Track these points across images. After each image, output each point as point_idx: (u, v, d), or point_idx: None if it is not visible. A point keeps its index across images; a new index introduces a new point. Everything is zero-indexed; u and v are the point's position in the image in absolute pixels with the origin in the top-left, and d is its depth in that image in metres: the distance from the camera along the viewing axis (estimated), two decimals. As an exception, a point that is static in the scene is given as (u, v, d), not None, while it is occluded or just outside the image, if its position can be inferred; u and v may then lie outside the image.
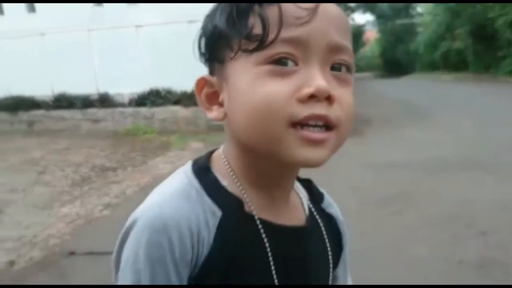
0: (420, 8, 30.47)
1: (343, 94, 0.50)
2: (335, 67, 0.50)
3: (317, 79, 0.47)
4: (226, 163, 0.56)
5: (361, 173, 4.54)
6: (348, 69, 0.52)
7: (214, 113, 0.55)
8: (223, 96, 0.53)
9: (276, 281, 0.55)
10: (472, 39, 21.40)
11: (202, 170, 0.55)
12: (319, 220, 0.63)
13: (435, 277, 2.41)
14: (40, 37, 9.00)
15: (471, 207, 3.44)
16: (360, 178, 4.39)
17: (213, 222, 0.51)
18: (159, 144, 6.88)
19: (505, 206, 3.40)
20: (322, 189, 0.69)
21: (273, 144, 0.49)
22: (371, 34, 42.44)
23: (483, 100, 10.51)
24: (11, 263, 3.03)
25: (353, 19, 34.77)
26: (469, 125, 7.28)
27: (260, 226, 0.54)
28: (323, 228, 0.63)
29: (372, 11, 38.48)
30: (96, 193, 4.52)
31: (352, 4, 32.25)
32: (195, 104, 7.83)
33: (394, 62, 36.07)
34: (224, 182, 0.55)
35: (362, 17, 40.90)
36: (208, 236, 0.50)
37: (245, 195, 0.55)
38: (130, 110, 8.33)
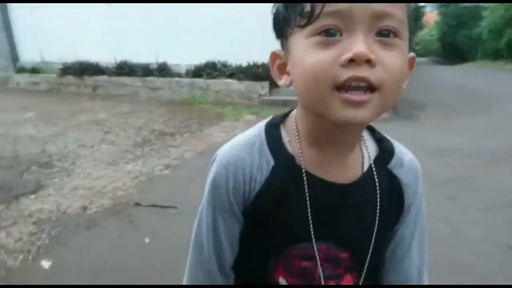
0: (488, -10, 28.36)
1: (387, 57, 0.53)
2: (382, 33, 0.54)
3: (357, 45, 0.51)
4: (294, 122, 0.67)
5: (416, 156, 4.51)
6: (396, 34, 0.54)
7: (283, 80, 0.64)
8: (289, 66, 0.62)
9: (311, 226, 0.64)
10: (544, 27, 19.82)
11: (272, 127, 0.68)
12: (377, 180, 0.67)
13: (482, 258, 2.45)
14: (106, 5, 9.42)
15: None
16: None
17: (267, 168, 0.65)
18: (213, 114, 7.07)
19: None
20: (398, 149, 0.72)
21: (321, 105, 0.55)
22: (431, 17, 40.14)
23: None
24: (84, 208, 3.33)
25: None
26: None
27: (305, 178, 0.64)
28: (377, 187, 0.67)
29: (435, -8, 36.36)
30: (157, 155, 4.79)
31: (414, -16, 30.60)
32: (248, 78, 7.99)
33: (454, 48, 33.99)
34: (287, 138, 0.67)
35: (423, -1, 38.56)
36: (260, 178, 0.64)
37: (300, 151, 0.65)
38: (186, 80, 8.59)
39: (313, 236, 0.65)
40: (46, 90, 9.99)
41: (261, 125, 0.69)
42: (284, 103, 7.66)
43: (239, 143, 0.67)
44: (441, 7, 37.59)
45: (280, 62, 0.64)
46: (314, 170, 0.65)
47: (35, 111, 7.37)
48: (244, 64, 8.26)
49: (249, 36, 8.41)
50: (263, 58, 8.11)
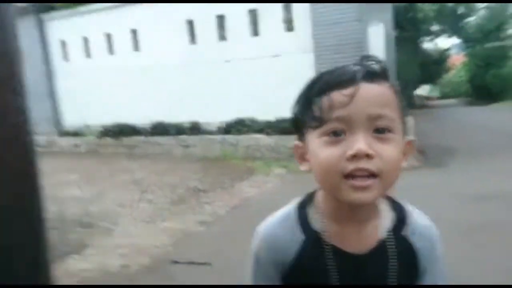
0: (512, 30, 28.31)
1: (384, 150, 0.67)
2: (378, 130, 0.68)
3: (358, 143, 0.66)
4: (320, 200, 0.80)
5: (445, 204, 4.46)
6: (390, 130, 0.68)
7: (304, 166, 0.78)
8: (307, 156, 0.76)
9: None
10: None
11: (302, 206, 0.82)
12: (390, 248, 0.77)
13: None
14: (142, 71, 10.18)
15: None
16: (444, 208, 4.33)
17: (298, 243, 0.77)
18: (244, 169, 7.28)
19: None
20: (414, 216, 0.80)
21: (335, 190, 0.69)
22: (457, 59, 40.12)
23: None
24: (125, 266, 3.47)
25: (436, 44, 33.33)
26: None
27: (328, 250, 0.76)
28: (391, 255, 0.76)
29: (458, 34, 36.58)
30: (192, 211, 4.97)
31: (435, 28, 31.01)
32: (276, 132, 8.25)
33: (484, 88, 33.42)
34: (314, 216, 0.79)
35: (447, 41, 38.82)
36: (292, 250, 0.77)
37: (325, 227, 0.77)
38: (217, 137, 8.94)
39: None
40: (86, 152, 10.62)
41: (292, 206, 0.83)
42: (312, 154, 7.80)
43: (275, 221, 0.82)
44: (467, 48, 37.61)
45: (301, 151, 0.78)
46: (336, 242, 0.76)
47: (77, 172, 7.84)
48: (272, 119, 8.57)
49: (275, 92, 8.81)
50: (289, 113, 8.41)
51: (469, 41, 36.27)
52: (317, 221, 0.78)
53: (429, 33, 29.44)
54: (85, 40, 11.15)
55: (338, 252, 0.75)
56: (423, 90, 35.23)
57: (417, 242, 0.78)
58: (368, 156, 0.66)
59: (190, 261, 3.50)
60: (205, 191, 5.90)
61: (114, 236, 4.29)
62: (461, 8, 31.57)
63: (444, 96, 39.18)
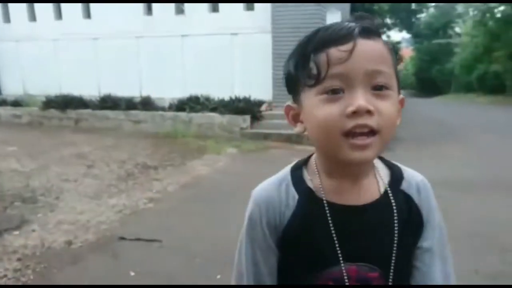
0: (458, 28, 29.90)
1: (382, 107, 0.65)
2: (376, 87, 0.66)
3: (357, 100, 0.64)
4: (314, 161, 0.79)
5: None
6: (387, 87, 0.67)
7: (298, 128, 0.75)
8: (302, 116, 0.74)
9: (338, 248, 0.73)
10: (511, 63, 20.93)
11: (296, 168, 0.80)
12: (393, 200, 0.75)
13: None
14: (93, 41, 9.65)
15: (494, 226, 3.60)
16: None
17: (293, 203, 0.75)
18: (196, 147, 7.20)
19: (527, 227, 3.55)
20: (407, 172, 0.81)
21: (333, 149, 0.67)
22: (406, 52, 41.93)
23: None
24: (69, 243, 3.35)
25: (388, 36, 34.53)
26: (501, 147, 7.32)
27: (326, 206, 0.74)
28: (394, 206, 0.75)
29: (409, 29, 38.11)
30: (140, 188, 4.87)
31: (388, 22, 32.07)
32: (230, 111, 8.22)
33: (429, 82, 35.40)
34: (309, 177, 0.77)
35: (398, 35, 40.39)
36: (288, 212, 0.75)
37: (320, 185, 0.75)
38: (170, 114, 8.76)
39: (341, 259, 0.73)
40: (28, 123, 9.99)
41: (287, 168, 0.81)
42: (265, 136, 7.88)
43: (269, 184, 0.79)
44: (416, 43, 39.33)
45: (294, 112, 0.75)
46: (334, 199, 0.74)
47: (17, 145, 7.37)
48: (227, 97, 8.52)
49: (231, 71, 8.73)
50: (244, 92, 8.40)
51: (418, 36, 37.96)
52: (312, 180, 0.77)
53: (382, 25, 30.44)
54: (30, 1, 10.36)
55: (334, 206, 0.74)
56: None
57: (415, 194, 0.78)
58: (368, 113, 0.64)
59: (138, 237, 3.44)
60: (155, 168, 5.79)
61: (57, 211, 4.11)
62: (413, 5, 32.80)
63: (391, 87, 40.79)
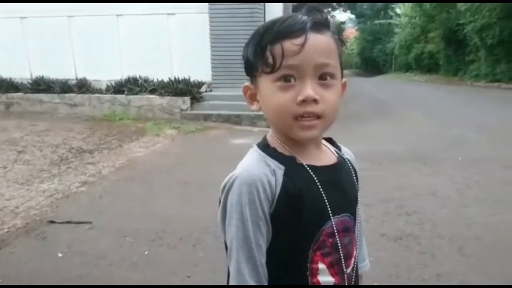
0: (399, 9, 31.08)
1: (326, 95, 0.77)
2: (322, 77, 0.77)
3: (306, 89, 0.75)
4: (276, 137, 0.86)
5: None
6: (332, 76, 0.78)
7: (255, 106, 0.86)
8: (258, 97, 0.84)
9: (327, 202, 0.82)
10: (444, 43, 22.14)
11: (264, 146, 0.86)
12: (348, 161, 0.93)
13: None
14: (20, 19, 9.11)
15: (405, 192, 3.98)
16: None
17: (280, 173, 0.80)
18: (134, 129, 7.14)
19: (432, 193, 3.96)
20: (341, 145, 0.99)
21: (287, 129, 0.81)
22: (351, 32, 43.09)
23: (447, 101, 11.23)
24: None
25: (333, 17, 35.21)
26: (427, 123, 7.92)
27: (309, 169, 0.83)
28: (350, 166, 0.93)
29: (353, 10, 39.09)
30: (73, 172, 4.81)
31: (333, 3, 32.63)
32: (170, 93, 8.18)
33: (372, 61, 36.76)
34: (279, 149, 0.84)
35: (344, 15, 41.37)
36: (277, 182, 0.79)
37: (293, 153, 0.84)
38: (107, 96, 8.54)
39: (331, 214, 0.83)
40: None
41: (254, 148, 0.86)
42: (206, 117, 7.95)
43: (252, 165, 0.82)
44: (359, 23, 40.46)
45: (251, 92, 0.86)
46: (309, 162, 0.84)
47: None
48: (166, 79, 8.44)
49: (169, 52, 8.63)
50: (184, 73, 8.37)
51: (361, 16, 39.06)
52: (285, 151, 0.84)
53: (327, 6, 30.87)
54: None
55: (315, 168, 0.84)
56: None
57: (351, 159, 0.96)
58: (315, 101, 0.76)
59: (68, 220, 3.45)
60: (90, 152, 5.70)
61: (-17, 198, 3.98)
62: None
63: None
